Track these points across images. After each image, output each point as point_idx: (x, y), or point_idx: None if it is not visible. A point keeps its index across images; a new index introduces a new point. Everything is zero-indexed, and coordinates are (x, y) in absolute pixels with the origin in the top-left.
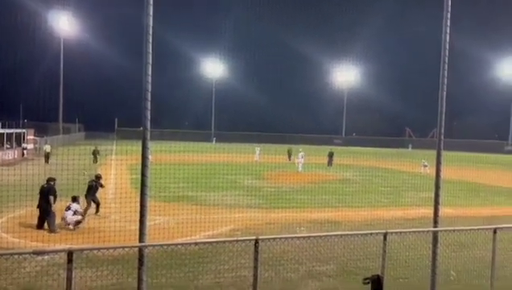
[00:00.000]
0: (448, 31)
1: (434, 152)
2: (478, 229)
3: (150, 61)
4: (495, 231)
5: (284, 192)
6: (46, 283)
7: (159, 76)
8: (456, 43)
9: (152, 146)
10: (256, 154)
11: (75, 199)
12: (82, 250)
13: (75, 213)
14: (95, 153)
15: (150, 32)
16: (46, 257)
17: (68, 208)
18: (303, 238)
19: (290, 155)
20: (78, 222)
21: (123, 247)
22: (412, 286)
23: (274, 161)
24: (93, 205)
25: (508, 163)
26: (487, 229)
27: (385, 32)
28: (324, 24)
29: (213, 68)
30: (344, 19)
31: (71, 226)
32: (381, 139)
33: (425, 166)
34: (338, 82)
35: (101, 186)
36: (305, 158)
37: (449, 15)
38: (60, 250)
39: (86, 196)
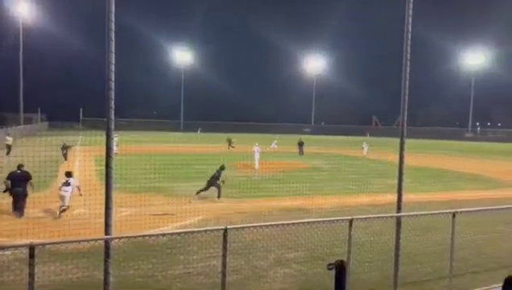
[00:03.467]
0: (410, 20)
1: (398, 140)
2: (438, 214)
3: (113, 49)
4: (454, 215)
5: (255, 181)
6: (8, 279)
7: (127, 65)
8: (420, 33)
9: (120, 136)
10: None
11: (70, 174)
12: (44, 244)
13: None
14: (64, 150)
15: (113, 19)
16: (7, 252)
17: (68, 183)
18: (272, 226)
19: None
20: (64, 210)
21: (87, 241)
22: (377, 269)
23: (246, 150)
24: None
25: (468, 149)
26: (446, 213)
27: (352, 21)
28: (293, 13)
29: (182, 56)
30: (312, 8)
31: (66, 203)
32: (348, 128)
33: (364, 148)
34: (307, 71)
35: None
36: (276, 147)
37: (411, 5)
38: (22, 245)
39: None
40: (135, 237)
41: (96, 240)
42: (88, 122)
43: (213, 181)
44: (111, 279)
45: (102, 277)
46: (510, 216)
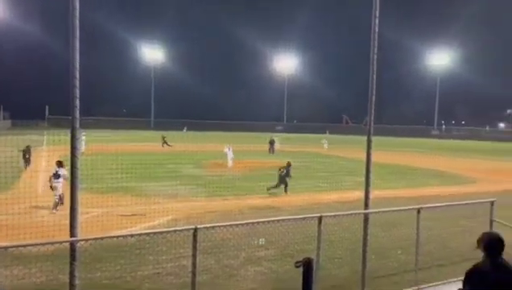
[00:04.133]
0: (377, 22)
1: (366, 138)
2: (404, 210)
3: (78, 47)
4: (419, 211)
5: (226, 180)
6: None
7: (95, 62)
8: (387, 34)
9: (88, 135)
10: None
11: (61, 164)
12: (6, 247)
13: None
14: (26, 154)
15: (77, 15)
16: None
17: (58, 175)
18: (242, 225)
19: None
20: (57, 203)
21: (52, 243)
22: (346, 264)
23: (217, 149)
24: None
25: (434, 146)
26: (411, 209)
27: (323, 21)
28: (265, 12)
29: (152, 54)
30: (284, 8)
31: (56, 199)
32: (320, 126)
33: (324, 143)
34: (279, 70)
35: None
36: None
37: (378, 6)
38: None
39: None
40: (102, 238)
41: (61, 242)
42: (53, 121)
43: (284, 178)
44: (77, 281)
45: (68, 280)
46: (473, 211)
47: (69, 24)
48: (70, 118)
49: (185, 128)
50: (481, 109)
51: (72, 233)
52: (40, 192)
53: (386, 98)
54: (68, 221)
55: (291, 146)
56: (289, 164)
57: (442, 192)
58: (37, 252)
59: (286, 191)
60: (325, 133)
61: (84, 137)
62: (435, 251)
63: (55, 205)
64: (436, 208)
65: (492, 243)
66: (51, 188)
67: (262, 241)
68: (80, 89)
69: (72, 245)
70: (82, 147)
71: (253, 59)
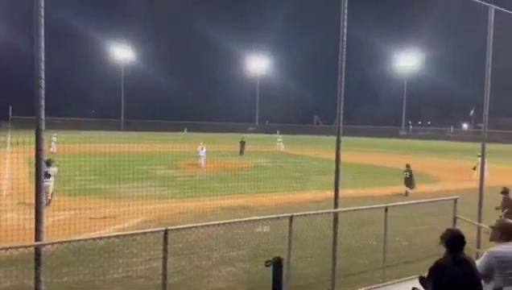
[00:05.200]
0: (346, 24)
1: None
2: (371, 208)
3: (43, 45)
4: (386, 209)
5: (198, 180)
6: None
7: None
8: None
9: (56, 136)
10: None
11: (49, 163)
12: None
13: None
14: None
15: (42, 14)
16: None
17: (48, 175)
18: (214, 225)
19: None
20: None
21: (15, 247)
22: (317, 263)
23: (188, 150)
24: None
25: (401, 146)
26: (379, 207)
27: (294, 22)
28: (237, 13)
29: (122, 53)
30: (255, 9)
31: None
32: (291, 127)
33: (279, 142)
34: (251, 71)
35: None
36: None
37: (346, 10)
38: None
39: None
40: (69, 241)
41: (26, 247)
42: (18, 121)
43: (410, 179)
44: (43, 287)
45: (33, 285)
46: (438, 208)
47: (33, 22)
48: (33, 118)
49: (185, 129)
50: (446, 111)
51: (38, 237)
52: (4, 195)
53: (355, 99)
54: (27, 225)
55: (269, 146)
56: (408, 166)
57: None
58: (0, 257)
59: (413, 188)
60: (277, 133)
61: (55, 138)
62: (401, 249)
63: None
64: (404, 206)
65: (453, 239)
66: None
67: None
68: (46, 89)
69: (38, 249)
70: (54, 147)
71: (225, 59)
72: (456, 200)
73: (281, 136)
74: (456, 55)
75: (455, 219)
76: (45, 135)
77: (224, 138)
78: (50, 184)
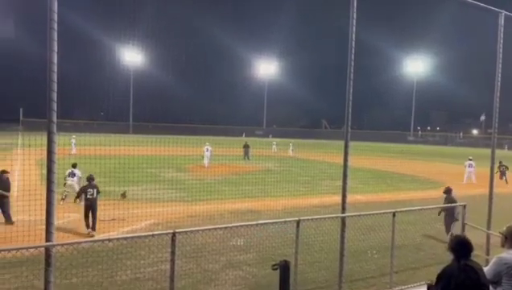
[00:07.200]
0: (354, 30)
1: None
2: (380, 213)
3: (56, 49)
4: (394, 214)
5: (206, 184)
6: None
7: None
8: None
9: (75, 138)
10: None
11: (75, 165)
12: None
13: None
14: None
15: (55, 18)
16: None
17: (73, 174)
18: (221, 229)
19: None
20: (64, 198)
21: (26, 248)
22: (325, 267)
23: (197, 153)
24: None
25: (410, 151)
26: (387, 213)
27: (304, 26)
28: (247, 17)
29: (132, 56)
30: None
31: (76, 190)
32: (299, 131)
33: (292, 150)
34: (259, 75)
35: None
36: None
37: (355, 15)
38: None
39: None
40: (79, 243)
41: (36, 247)
42: (28, 124)
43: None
44: (52, 288)
45: (43, 286)
46: None
47: (47, 27)
48: (45, 120)
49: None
50: (456, 117)
51: (48, 238)
52: (16, 196)
53: (363, 104)
54: (38, 227)
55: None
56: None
57: (419, 195)
58: (11, 258)
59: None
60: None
61: (74, 140)
62: (409, 254)
63: (63, 198)
64: (412, 211)
65: (460, 246)
66: (64, 185)
67: (240, 241)
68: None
69: (48, 250)
70: (73, 149)
71: (234, 63)
72: (464, 207)
73: (292, 140)
74: (466, 60)
75: (463, 225)
76: (60, 138)
77: (231, 142)
78: (74, 183)
